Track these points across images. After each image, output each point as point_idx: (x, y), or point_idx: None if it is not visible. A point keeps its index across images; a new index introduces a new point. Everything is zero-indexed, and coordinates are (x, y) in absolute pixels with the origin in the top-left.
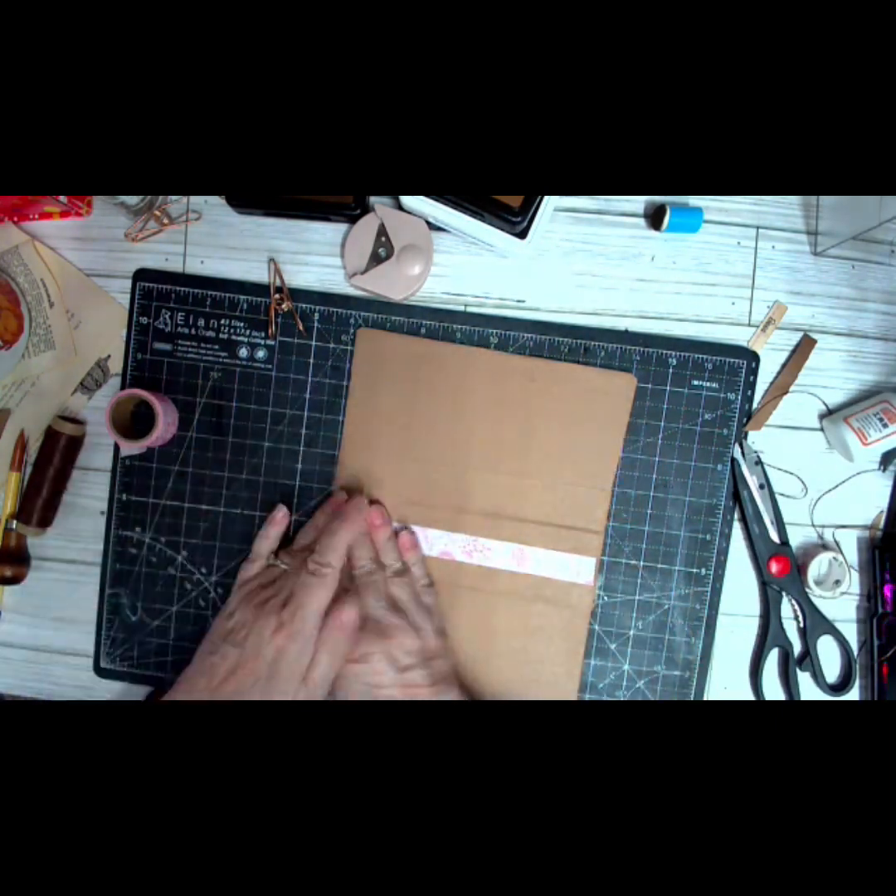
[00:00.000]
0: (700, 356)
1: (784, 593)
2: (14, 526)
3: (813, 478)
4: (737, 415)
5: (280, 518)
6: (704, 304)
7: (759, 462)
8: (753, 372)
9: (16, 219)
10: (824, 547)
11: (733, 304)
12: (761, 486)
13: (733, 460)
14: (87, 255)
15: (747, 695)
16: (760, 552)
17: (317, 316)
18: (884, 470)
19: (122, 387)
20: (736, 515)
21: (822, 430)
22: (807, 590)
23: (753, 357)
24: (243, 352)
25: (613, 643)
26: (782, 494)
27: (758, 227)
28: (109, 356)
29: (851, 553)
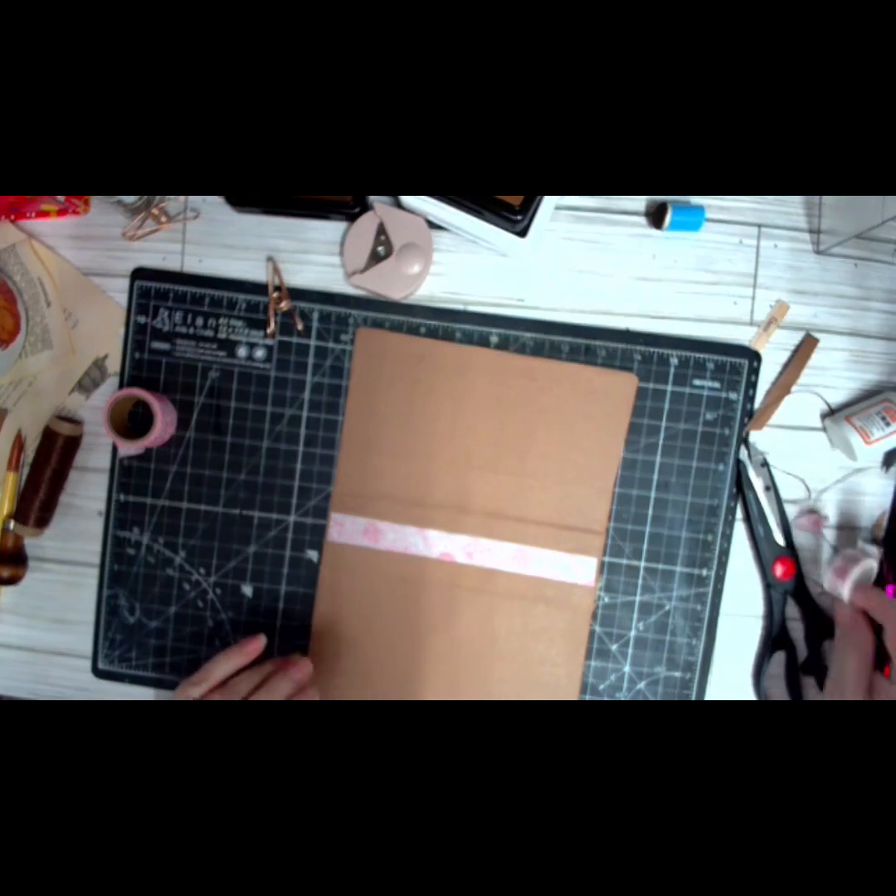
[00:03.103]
0: (702, 356)
1: (788, 596)
2: (11, 526)
3: (815, 477)
4: (738, 414)
5: (252, 649)
6: (706, 303)
7: (764, 463)
8: (755, 371)
9: (13, 217)
10: (863, 552)
11: (735, 303)
12: (767, 488)
13: (739, 462)
14: (85, 254)
15: (749, 696)
16: (765, 555)
17: (316, 315)
18: (886, 469)
19: (120, 386)
20: (739, 516)
21: (824, 429)
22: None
23: (755, 356)
24: (242, 351)
25: (614, 644)
26: (786, 500)
27: (760, 226)
28: (107, 355)
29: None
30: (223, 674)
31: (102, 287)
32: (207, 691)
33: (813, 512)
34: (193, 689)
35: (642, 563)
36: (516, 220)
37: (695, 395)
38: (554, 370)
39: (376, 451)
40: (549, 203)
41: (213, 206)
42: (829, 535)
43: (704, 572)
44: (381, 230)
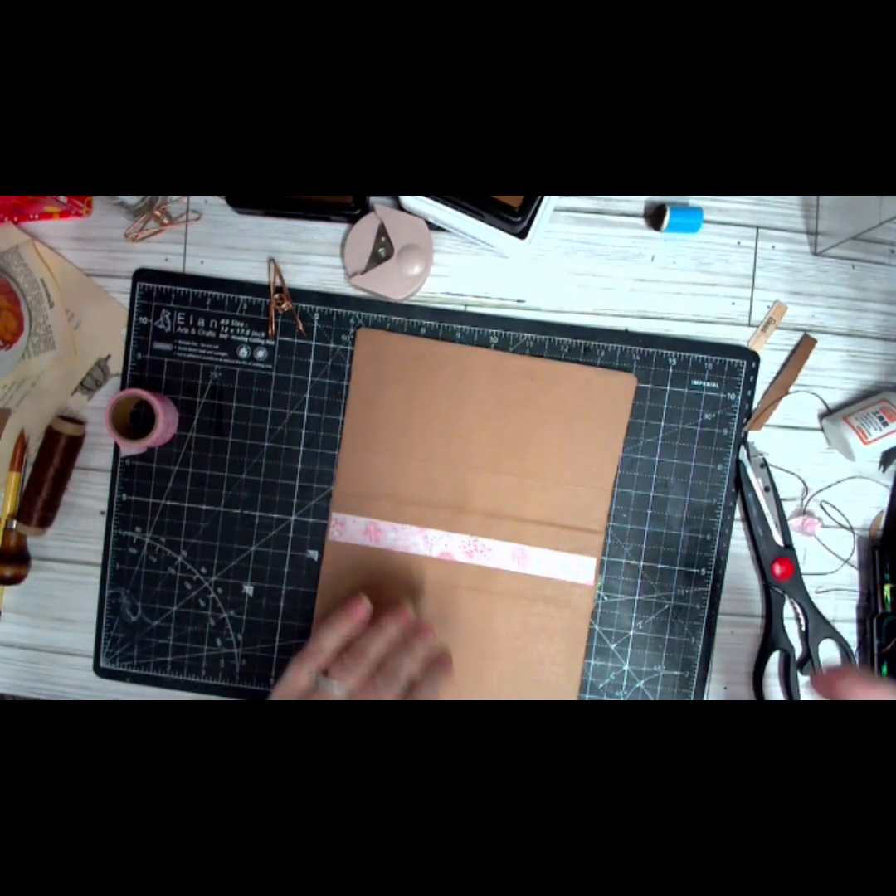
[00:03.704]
0: (700, 356)
1: (786, 596)
2: (14, 526)
3: (813, 477)
4: (737, 415)
5: (360, 614)
6: (704, 303)
7: (764, 464)
8: (753, 372)
9: (16, 219)
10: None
11: (733, 303)
12: (767, 489)
13: (739, 463)
14: (87, 255)
15: (747, 695)
16: (764, 555)
17: (317, 316)
18: (884, 469)
19: (122, 387)
20: (737, 515)
21: (822, 429)
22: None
23: (753, 357)
24: (243, 352)
25: (613, 643)
26: (784, 498)
27: (758, 227)
28: (109, 356)
29: (851, 552)
30: (334, 645)
31: (105, 288)
32: (327, 664)
33: (804, 514)
34: (310, 663)
35: (641, 563)
36: (516, 221)
37: (693, 395)
38: (553, 370)
39: (376, 450)
40: (548, 205)
41: (214, 207)
42: (823, 536)
43: (703, 572)
44: (382, 231)
